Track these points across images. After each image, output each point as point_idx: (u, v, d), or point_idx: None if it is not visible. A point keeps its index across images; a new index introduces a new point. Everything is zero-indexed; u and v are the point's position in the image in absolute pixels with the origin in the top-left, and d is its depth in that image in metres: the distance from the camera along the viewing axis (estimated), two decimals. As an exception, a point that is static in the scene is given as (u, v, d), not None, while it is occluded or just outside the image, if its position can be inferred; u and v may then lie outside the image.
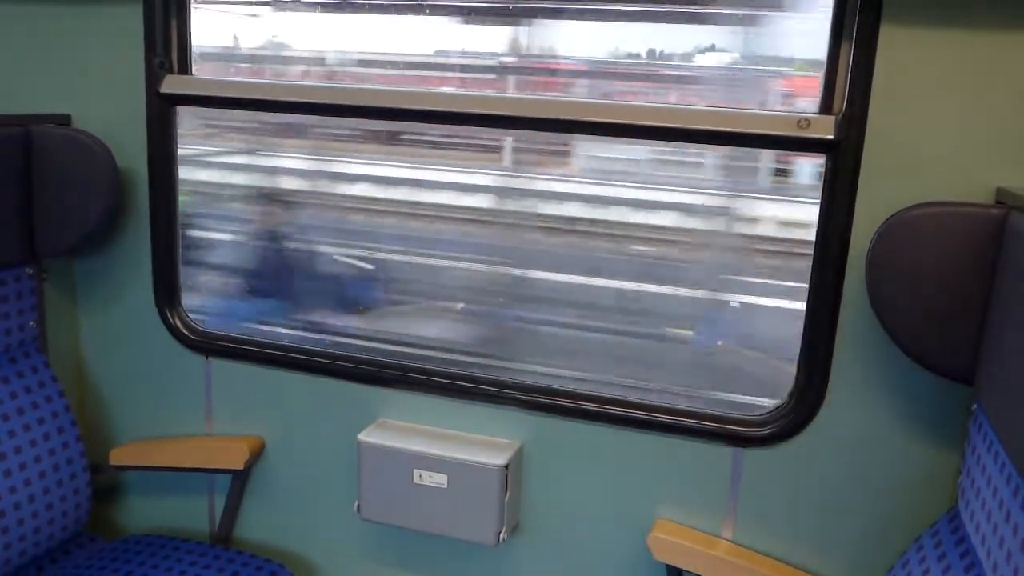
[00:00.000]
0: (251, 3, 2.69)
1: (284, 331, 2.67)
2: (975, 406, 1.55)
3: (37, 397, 2.08)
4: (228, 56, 2.75)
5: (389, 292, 2.97)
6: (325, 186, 3.12)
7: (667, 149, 2.55)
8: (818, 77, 1.71)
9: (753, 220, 2.45)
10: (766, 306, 2.38)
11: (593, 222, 2.76)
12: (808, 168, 2.21)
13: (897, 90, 1.60)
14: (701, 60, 2.32)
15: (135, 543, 2.15)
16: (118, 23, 2.13)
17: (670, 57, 2.35)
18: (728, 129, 1.76)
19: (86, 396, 2.40)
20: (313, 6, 2.57)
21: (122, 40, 2.13)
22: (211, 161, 3.05)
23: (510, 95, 2.46)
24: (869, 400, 1.73)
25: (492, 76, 2.63)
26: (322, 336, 2.75)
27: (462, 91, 2.48)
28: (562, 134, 2.53)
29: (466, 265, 2.84)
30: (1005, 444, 1.31)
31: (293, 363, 2.18)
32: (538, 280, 2.70)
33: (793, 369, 1.81)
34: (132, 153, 2.18)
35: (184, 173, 2.27)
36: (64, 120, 2.20)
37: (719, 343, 2.47)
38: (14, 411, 2.01)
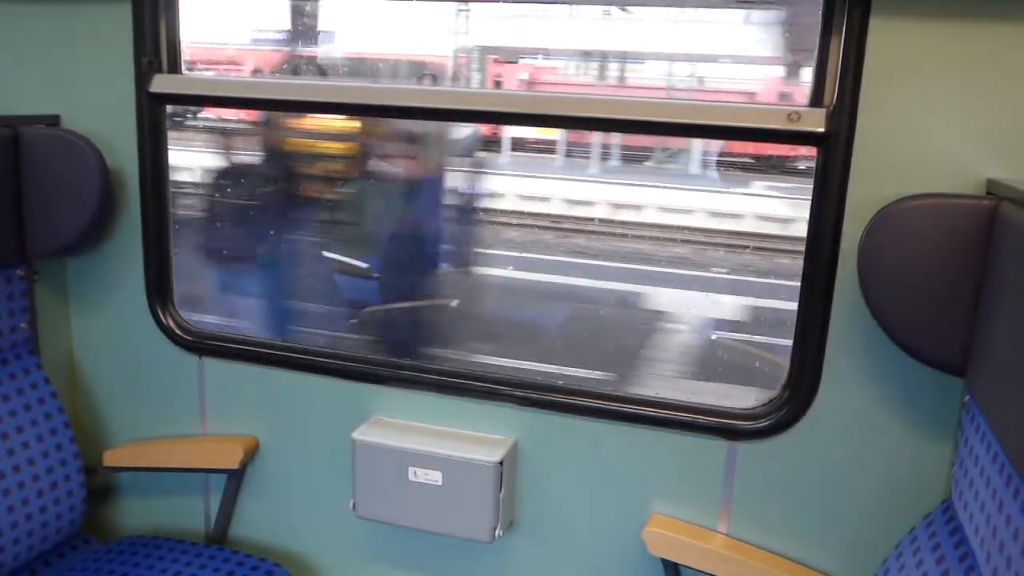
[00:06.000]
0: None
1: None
2: (967, 397, 1.56)
3: (30, 399, 2.07)
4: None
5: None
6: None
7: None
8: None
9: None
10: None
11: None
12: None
13: (887, 83, 1.61)
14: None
15: (130, 544, 2.15)
16: (107, 22, 2.12)
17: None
18: (721, 123, 1.76)
19: (79, 397, 2.39)
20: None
21: (111, 40, 2.12)
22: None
23: (502, 91, 2.46)
24: (862, 392, 1.74)
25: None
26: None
27: (454, 88, 2.48)
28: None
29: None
30: (997, 434, 1.31)
31: (286, 362, 2.18)
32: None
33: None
34: (122, 153, 2.17)
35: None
36: (53, 121, 2.19)
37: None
38: (6, 414, 2.00)
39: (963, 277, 1.49)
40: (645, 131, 1.90)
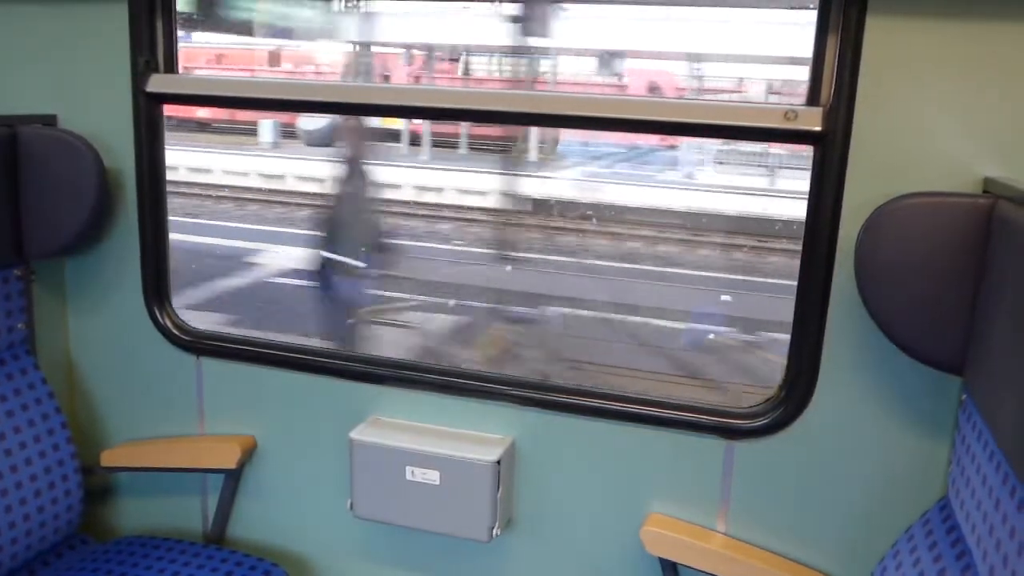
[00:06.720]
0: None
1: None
2: (965, 396, 1.56)
3: (27, 399, 2.07)
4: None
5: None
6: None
7: None
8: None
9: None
10: None
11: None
12: None
13: (884, 82, 1.60)
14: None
15: (128, 544, 2.14)
16: (104, 22, 2.12)
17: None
18: (718, 122, 1.77)
19: (77, 398, 2.39)
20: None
21: (108, 39, 2.12)
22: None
23: (499, 90, 2.46)
24: (859, 391, 1.74)
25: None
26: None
27: (446, 87, 2.48)
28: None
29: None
30: (993, 433, 1.31)
31: (284, 362, 2.18)
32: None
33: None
34: (119, 153, 2.17)
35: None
36: (50, 121, 2.19)
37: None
38: (4, 414, 2.00)
39: (960, 275, 1.49)
40: (643, 130, 1.90)
